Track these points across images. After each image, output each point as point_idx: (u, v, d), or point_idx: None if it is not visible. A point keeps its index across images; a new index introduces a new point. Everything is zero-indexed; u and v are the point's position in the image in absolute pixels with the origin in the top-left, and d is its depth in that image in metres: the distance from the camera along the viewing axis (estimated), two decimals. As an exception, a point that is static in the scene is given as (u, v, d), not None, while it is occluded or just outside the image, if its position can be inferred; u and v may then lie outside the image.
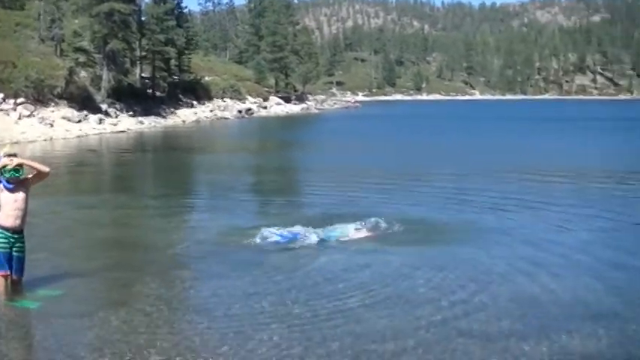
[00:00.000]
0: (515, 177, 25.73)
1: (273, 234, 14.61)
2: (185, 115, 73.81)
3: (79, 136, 48.36)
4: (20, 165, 10.24)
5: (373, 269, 12.37)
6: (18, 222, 10.27)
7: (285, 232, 14.77)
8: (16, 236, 10.29)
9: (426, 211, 18.47)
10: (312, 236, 14.62)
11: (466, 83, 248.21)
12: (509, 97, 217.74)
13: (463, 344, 8.85)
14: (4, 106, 47.92)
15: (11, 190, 10.19)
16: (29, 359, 8.56)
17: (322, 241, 14.43)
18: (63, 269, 11.93)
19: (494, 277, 11.93)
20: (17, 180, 10.26)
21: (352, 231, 15.04)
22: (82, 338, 8.89)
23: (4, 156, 10.27)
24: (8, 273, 10.25)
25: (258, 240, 14.40)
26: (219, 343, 8.73)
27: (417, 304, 10.45)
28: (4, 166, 10.09)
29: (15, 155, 10.28)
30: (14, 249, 10.28)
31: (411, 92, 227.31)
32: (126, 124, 58.20)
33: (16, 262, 10.33)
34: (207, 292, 11.00)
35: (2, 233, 10.19)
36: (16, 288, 10.42)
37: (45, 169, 10.52)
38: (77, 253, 13.69)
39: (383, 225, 15.47)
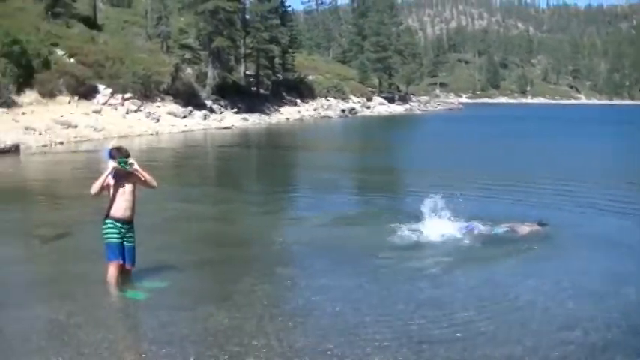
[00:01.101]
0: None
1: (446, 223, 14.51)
2: (289, 113, 74.10)
3: (184, 131, 49.08)
4: (128, 156, 10.25)
5: (492, 275, 11.89)
6: (128, 213, 10.36)
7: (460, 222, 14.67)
8: (126, 227, 10.39)
9: (563, 214, 17.58)
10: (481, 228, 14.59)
11: (571, 87, 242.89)
12: (616, 101, 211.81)
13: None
14: (112, 101, 48.74)
15: (119, 182, 10.26)
16: (137, 349, 8.46)
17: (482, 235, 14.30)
18: (168, 262, 11.89)
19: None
20: (125, 172, 10.28)
21: (508, 227, 14.80)
22: (187, 331, 8.83)
23: (111, 150, 10.35)
24: (121, 262, 10.35)
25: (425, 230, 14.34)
26: (322, 342, 8.50)
27: (530, 312, 9.88)
28: (115, 158, 10.14)
29: (128, 155, 10.30)
30: (125, 239, 10.36)
31: (516, 95, 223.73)
32: (230, 120, 58.62)
33: (128, 252, 10.43)
34: (312, 290, 10.76)
35: (113, 224, 10.29)
36: (125, 278, 10.51)
37: (153, 183, 10.64)
38: (182, 246, 13.68)
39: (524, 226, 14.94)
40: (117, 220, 10.25)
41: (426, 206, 14.76)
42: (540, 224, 14.91)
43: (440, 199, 14.81)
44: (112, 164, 10.10)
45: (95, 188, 10.11)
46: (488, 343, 8.47)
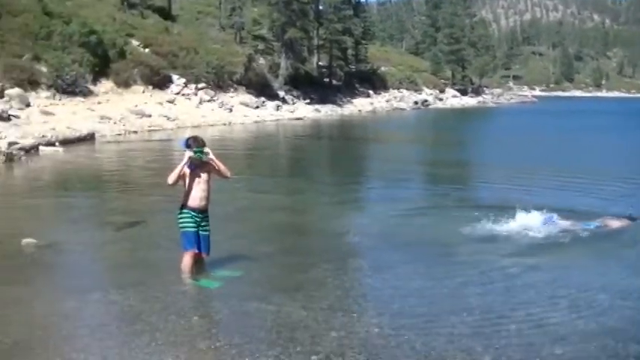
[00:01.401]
0: None
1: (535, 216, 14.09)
2: (361, 105, 74.08)
3: (256, 122, 49.31)
4: (204, 145, 10.28)
5: (577, 273, 11.41)
6: (203, 202, 10.41)
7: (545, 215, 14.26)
8: (201, 216, 10.44)
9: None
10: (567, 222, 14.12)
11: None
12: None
13: None
14: (185, 90, 49.25)
15: (194, 171, 10.30)
16: (208, 337, 8.43)
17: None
18: (241, 251, 11.91)
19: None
20: (200, 161, 10.33)
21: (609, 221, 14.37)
22: (259, 321, 8.82)
23: (188, 140, 10.41)
24: (196, 252, 10.40)
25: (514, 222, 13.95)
26: (394, 335, 8.37)
27: (618, 315, 9.42)
28: (192, 147, 10.19)
29: (204, 145, 10.33)
30: (200, 228, 10.42)
31: (590, 88, 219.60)
32: (303, 111, 58.73)
33: (203, 241, 10.48)
34: (385, 283, 10.64)
35: (189, 213, 10.34)
36: (199, 267, 10.58)
37: (227, 173, 10.65)
38: (254, 235, 13.66)
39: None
40: (193, 209, 10.29)
41: (504, 199, 14.40)
42: (631, 218, 14.45)
43: (519, 193, 14.47)
44: (188, 154, 10.14)
45: (172, 178, 10.18)
46: (568, 350, 8.10)
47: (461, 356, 7.79)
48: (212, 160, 10.34)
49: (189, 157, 10.13)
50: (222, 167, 10.47)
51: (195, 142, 10.21)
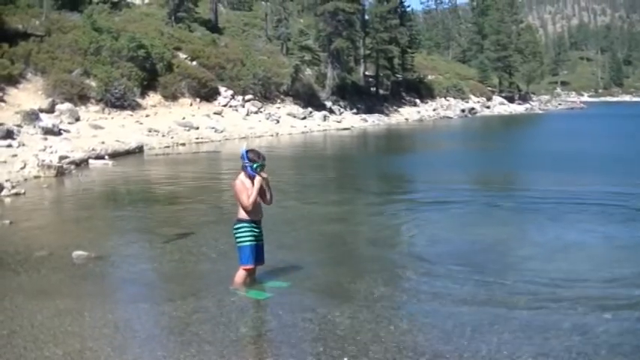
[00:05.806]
0: None
1: None
2: (408, 114, 74.21)
3: (303, 132, 49.52)
4: (264, 158, 10.31)
5: None
6: (260, 214, 10.45)
7: None
8: (259, 227, 10.44)
9: None
10: None
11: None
12: None
13: None
14: (233, 102, 49.65)
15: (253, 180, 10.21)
16: (257, 349, 8.55)
17: None
18: (289, 262, 11.92)
19: None
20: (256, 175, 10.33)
21: None
22: (307, 331, 8.83)
23: (249, 153, 10.32)
24: (251, 267, 10.40)
25: None
26: (441, 346, 8.32)
27: None
28: (254, 161, 10.17)
29: (265, 158, 10.36)
30: (257, 240, 10.41)
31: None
32: (350, 121, 58.95)
33: (261, 250, 10.52)
34: (433, 294, 10.46)
35: (249, 226, 10.30)
36: (251, 277, 10.56)
37: (267, 202, 10.58)
38: (303, 246, 13.68)
39: None
40: (252, 221, 10.25)
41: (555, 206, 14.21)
42: None
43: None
44: (258, 179, 10.09)
45: (251, 204, 10.09)
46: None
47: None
48: (266, 183, 10.30)
49: (261, 182, 10.13)
50: (270, 194, 10.46)
51: (258, 157, 10.19)
